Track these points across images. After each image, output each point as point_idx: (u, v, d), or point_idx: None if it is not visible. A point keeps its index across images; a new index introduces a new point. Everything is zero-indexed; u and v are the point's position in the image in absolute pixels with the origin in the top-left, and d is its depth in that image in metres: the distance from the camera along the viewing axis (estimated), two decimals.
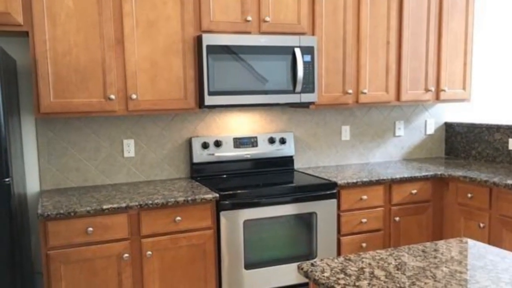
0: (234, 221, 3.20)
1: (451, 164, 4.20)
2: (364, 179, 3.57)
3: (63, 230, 2.83)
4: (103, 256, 2.93)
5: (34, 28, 2.96)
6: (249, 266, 3.27)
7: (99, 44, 3.11)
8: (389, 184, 3.69)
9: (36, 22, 2.96)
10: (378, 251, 2.02)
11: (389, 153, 4.53)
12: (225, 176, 3.78)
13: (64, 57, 3.04)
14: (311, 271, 1.80)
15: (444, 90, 4.17)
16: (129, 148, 3.61)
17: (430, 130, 4.67)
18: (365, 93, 3.88)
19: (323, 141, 4.24)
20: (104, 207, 2.88)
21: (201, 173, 3.74)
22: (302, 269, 1.85)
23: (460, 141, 4.58)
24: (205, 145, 3.71)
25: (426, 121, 4.64)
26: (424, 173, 3.77)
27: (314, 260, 2.06)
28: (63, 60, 3.05)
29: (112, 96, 3.15)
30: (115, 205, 2.91)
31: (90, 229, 2.86)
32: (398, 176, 3.68)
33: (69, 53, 3.05)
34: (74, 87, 3.08)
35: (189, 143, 3.77)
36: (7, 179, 2.55)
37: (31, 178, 3.40)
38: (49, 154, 3.41)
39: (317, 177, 3.69)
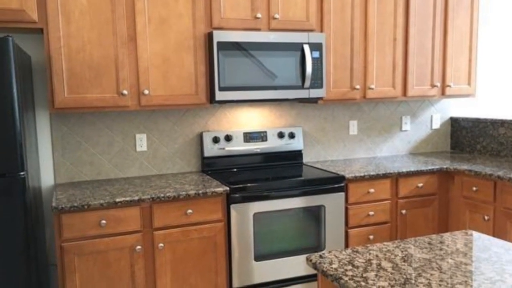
0: (244, 214, 3.24)
1: (456, 158, 4.23)
2: (372, 173, 3.61)
3: (77, 223, 2.86)
4: (116, 248, 2.96)
5: (48, 25, 2.99)
6: (258, 258, 3.31)
7: (112, 41, 3.15)
8: (396, 178, 3.73)
9: (51, 19, 2.99)
10: (385, 243, 2.03)
11: (396, 147, 4.57)
12: (235, 170, 3.83)
13: (78, 53, 3.08)
14: (320, 263, 1.82)
15: (449, 86, 4.20)
16: (142, 142, 3.66)
17: (436, 125, 4.71)
18: (372, 89, 3.91)
19: (331, 136, 4.28)
20: (117, 200, 2.92)
21: (212, 167, 3.79)
22: (310, 260, 1.87)
23: (465, 135, 4.61)
24: (215, 140, 3.75)
25: (432, 116, 4.68)
26: (430, 167, 3.81)
27: (323, 252, 2.10)
28: (77, 57, 3.08)
29: (125, 92, 3.19)
30: (127, 198, 2.95)
31: (104, 221, 2.90)
32: (404, 170, 3.72)
33: (82, 49, 3.09)
34: (88, 83, 3.13)
35: (200, 137, 3.82)
36: (22, 173, 2.58)
37: (45, 172, 3.45)
38: (63, 148, 3.47)
39: (325, 170, 3.72)
